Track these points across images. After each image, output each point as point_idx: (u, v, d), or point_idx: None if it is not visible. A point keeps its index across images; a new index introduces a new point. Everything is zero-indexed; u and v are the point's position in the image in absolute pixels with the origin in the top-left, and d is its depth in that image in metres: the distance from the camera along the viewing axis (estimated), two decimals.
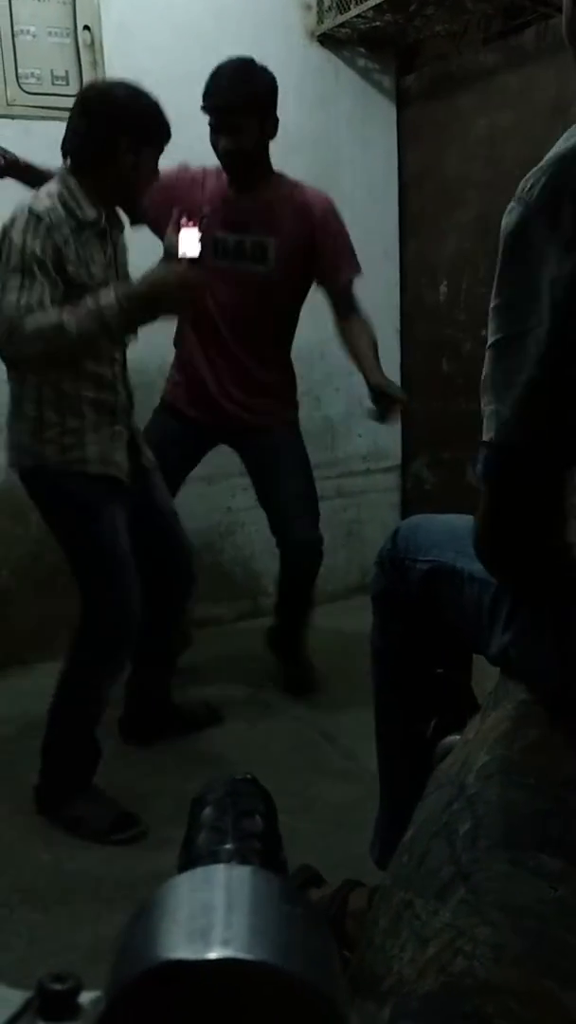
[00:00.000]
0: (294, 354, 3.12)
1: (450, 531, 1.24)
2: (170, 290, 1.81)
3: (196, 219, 1.85)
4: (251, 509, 3.02)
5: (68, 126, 1.86)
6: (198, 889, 0.32)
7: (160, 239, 1.91)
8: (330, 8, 2.92)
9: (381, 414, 2.34)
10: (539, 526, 0.92)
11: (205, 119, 2.19)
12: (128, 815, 1.92)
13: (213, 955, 0.28)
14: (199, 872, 0.33)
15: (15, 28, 2.52)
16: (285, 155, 2.97)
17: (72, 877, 1.79)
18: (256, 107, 2.21)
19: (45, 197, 1.81)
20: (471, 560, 1.04)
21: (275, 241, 2.29)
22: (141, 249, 2.01)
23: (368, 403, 2.34)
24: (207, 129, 2.20)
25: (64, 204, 1.81)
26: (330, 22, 2.91)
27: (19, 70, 2.55)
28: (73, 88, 2.60)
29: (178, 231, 1.83)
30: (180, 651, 2.30)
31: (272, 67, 2.90)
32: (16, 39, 2.53)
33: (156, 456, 2.09)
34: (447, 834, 0.87)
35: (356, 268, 2.42)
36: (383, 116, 3.15)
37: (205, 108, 2.18)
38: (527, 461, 0.89)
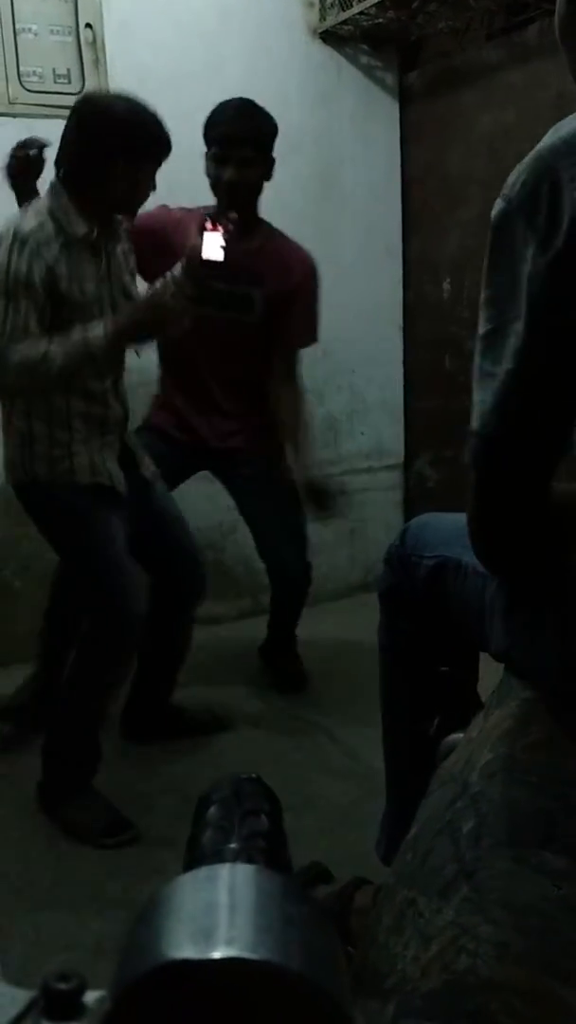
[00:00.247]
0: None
1: (459, 528, 1.24)
2: (157, 317, 1.82)
3: (222, 222, 1.83)
4: None
5: (63, 137, 1.83)
6: (202, 888, 0.32)
7: (147, 283, 1.91)
8: (332, 5, 2.91)
9: (318, 511, 2.40)
10: (525, 516, 0.94)
11: (201, 118, 2.18)
12: (122, 819, 1.90)
13: (217, 954, 0.28)
14: (204, 871, 0.33)
15: (17, 26, 2.52)
16: (287, 153, 2.96)
17: (76, 875, 1.79)
18: (265, 142, 2.22)
19: (33, 215, 1.79)
20: None
21: (260, 293, 2.27)
22: None
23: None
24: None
25: (54, 220, 1.79)
26: (332, 19, 2.91)
27: (21, 68, 2.55)
28: (75, 86, 2.60)
29: (201, 234, 1.82)
30: (185, 655, 2.30)
31: (274, 64, 2.92)
32: (18, 37, 2.53)
33: None
34: (450, 832, 0.87)
35: (315, 339, 2.44)
36: (386, 113, 3.14)
37: (211, 138, 2.16)
38: (508, 451, 0.91)
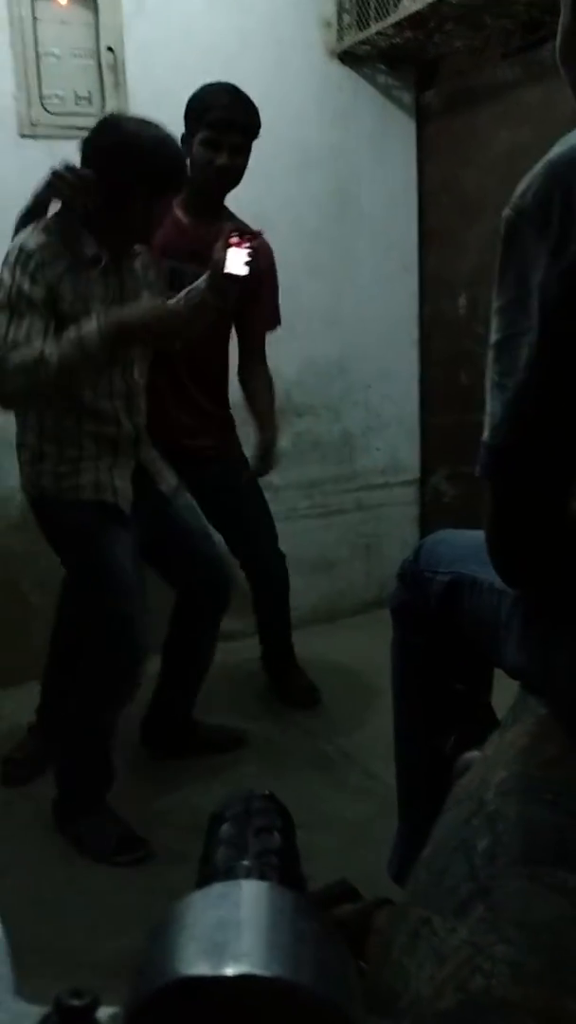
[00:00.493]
0: (313, 367, 3.14)
1: (474, 545, 1.24)
2: (147, 324, 1.80)
3: (248, 238, 1.82)
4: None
5: (83, 159, 1.82)
6: (215, 905, 0.32)
7: None
8: (350, 26, 2.94)
9: (259, 470, 2.46)
10: (542, 528, 0.93)
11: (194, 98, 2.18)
12: (134, 837, 1.89)
13: (230, 971, 0.28)
14: (216, 888, 0.34)
15: (39, 50, 2.56)
16: (305, 171, 3.00)
17: (91, 892, 1.79)
18: (256, 129, 2.22)
19: (42, 232, 1.79)
20: (493, 571, 1.04)
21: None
22: None
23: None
24: None
25: (63, 239, 1.79)
26: (350, 39, 2.93)
27: (43, 91, 2.58)
28: (96, 108, 2.63)
29: (226, 247, 1.81)
30: (206, 669, 2.30)
31: (293, 84, 2.95)
32: (40, 61, 2.57)
33: None
34: (465, 850, 0.86)
35: (279, 321, 2.47)
36: (402, 132, 3.16)
37: (205, 122, 2.13)
38: (519, 462, 0.90)
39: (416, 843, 1.01)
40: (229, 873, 0.38)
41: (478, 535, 1.27)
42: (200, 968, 0.29)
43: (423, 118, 3.17)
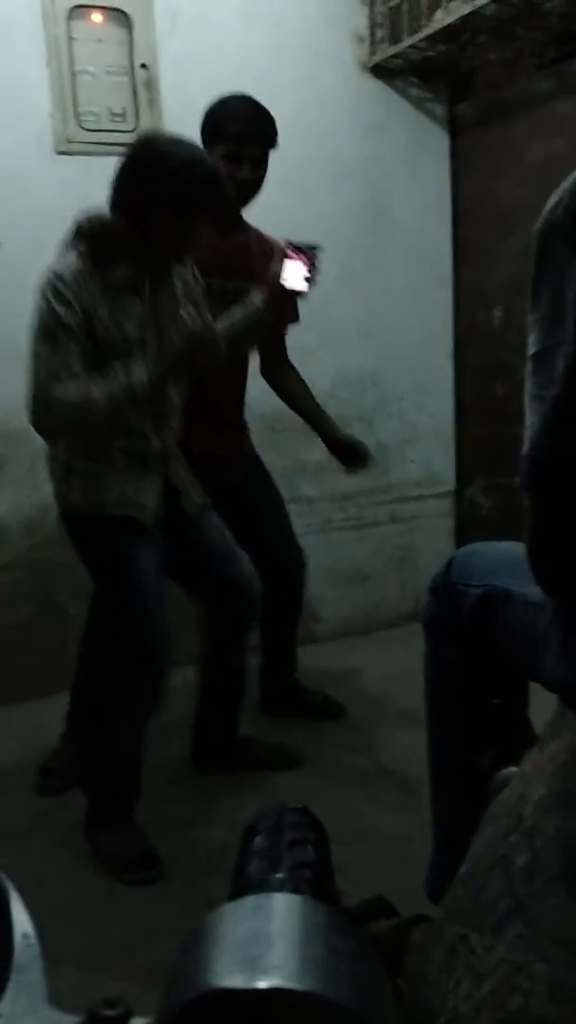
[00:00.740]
0: (347, 379, 3.14)
1: (507, 557, 1.23)
2: (190, 354, 1.78)
3: (305, 252, 1.79)
4: (302, 535, 3.02)
5: (116, 178, 1.80)
6: (248, 918, 0.32)
7: None
8: (383, 40, 2.95)
9: (353, 466, 2.48)
10: None
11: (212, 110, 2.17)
12: (149, 856, 1.88)
13: (262, 984, 0.28)
14: (249, 900, 0.33)
15: (75, 68, 2.60)
16: (338, 184, 3.01)
17: (126, 903, 1.79)
18: (275, 141, 2.20)
19: (73, 257, 1.78)
20: (527, 584, 1.03)
21: (255, 287, 2.27)
22: None
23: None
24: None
25: (97, 261, 1.78)
26: (383, 53, 2.95)
27: (79, 108, 2.62)
28: (130, 124, 2.67)
29: (283, 261, 1.80)
30: (241, 684, 2.29)
31: (326, 99, 2.96)
32: (76, 79, 2.61)
33: None
34: (503, 867, 0.85)
35: (297, 318, 2.45)
36: (436, 145, 3.17)
37: (225, 135, 2.11)
38: (559, 474, 0.90)
39: (453, 860, 1.00)
40: (262, 886, 0.37)
41: (510, 547, 1.26)
42: (233, 980, 0.28)
43: (456, 131, 3.17)
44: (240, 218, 2.29)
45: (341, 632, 3.20)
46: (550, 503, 0.92)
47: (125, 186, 1.79)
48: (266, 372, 2.50)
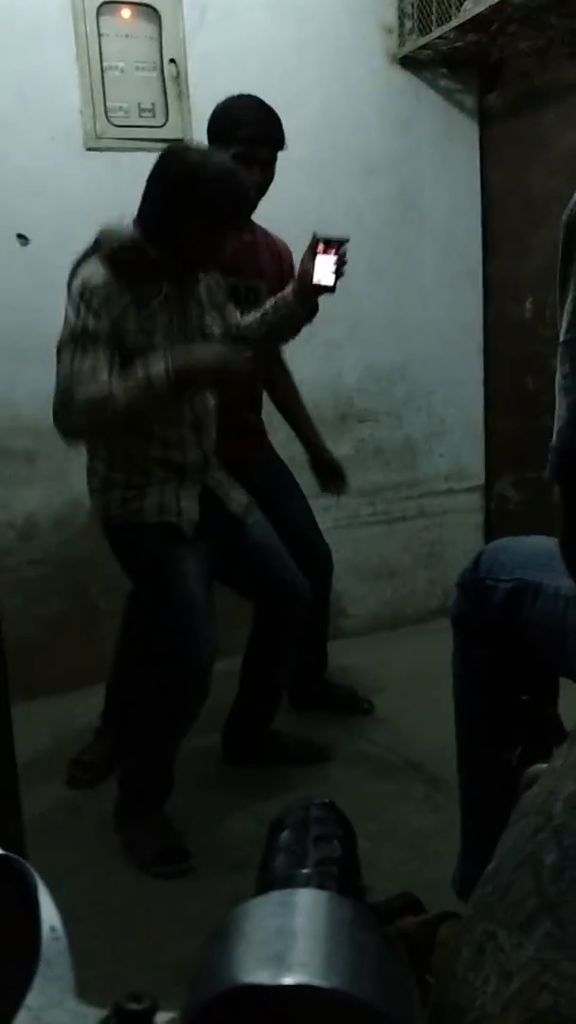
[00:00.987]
0: (375, 373, 3.13)
1: (537, 551, 1.22)
2: (216, 370, 1.78)
3: (334, 245, 1.77)
4: (330, 530, 3.01)
5: (146, 190, 1.80)
6: (274, 913, 0.32)
7: None
8: (411, 31, 2.93)
9: (330, 488, 2.46)
10: None
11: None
12: (178, 849, 1.89)
13: (287, 980, 0.28)
14: (275, 896, 0.33)
15: (104, 64, 2.61)
16: (367, 177, 3.00)
17: (156, 896, 1.80)
18: (283, 143, 2.17)
19: (105, 266, 1.78)
20: (557, 577, 1.02)
21: (264, 284, 2.24)
22: None
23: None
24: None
25: (126, 272, 1.77)
26: (411, 44, 2.92)
27: (108, 104, 2.63)
28: (159, 120, 2.67)
29: (313, 257, 1.77)
30: (283, 682, 2.30)
31: (354, 92, 2.95)
32: (105, 75, 2.61)
33: None
34: (532, 865, 0.84)
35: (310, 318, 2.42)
36: (465, 136, 3.14)
37: (237, 138, 2.08)
38: None
39: (481, 857, 0.99)
40: (288, 881, 0.37)
41: (540, 541, 1.24)
42: (258, 976, 0.28)
43: (486, 121, 3.14)
44: (248, 218, 2.28)
45: (369, 627, 3.19)
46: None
47: (156, 200, 1.79)
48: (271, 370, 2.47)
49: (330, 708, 2.55)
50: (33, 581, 2.74)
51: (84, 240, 1.90)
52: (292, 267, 2.32)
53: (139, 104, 2.68)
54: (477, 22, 2.71)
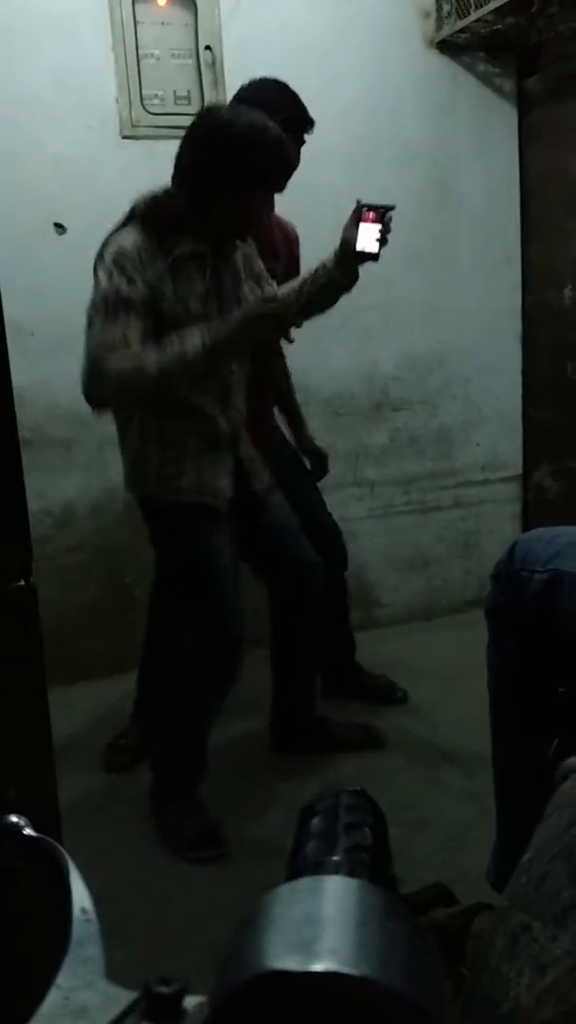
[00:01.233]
0: (411, 361, 3.11)
1: (573, 541, 1.20)
2: (255, 326, 1.75)
3: (378, 212, 1.73)
4: (364, 519, 3.01)
5: (178, 153, 1.78)
6: (303, 900, 0.32)
7: None
8: (449, 14, 2.89)
9: (320, 473, 2.46)
10: None
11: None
12: (213, 835, 1.90)
13: (317, 967, 0.28)
14: (305, 883, 0.33)
15: (140, 52, 2.61)
16: (404, 164, 2.97)
17: (189, 879, 1.81)
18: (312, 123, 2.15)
19: (139, 231, 1.75)
20: None
21: (279, 266, 2.20)
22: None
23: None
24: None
25: (160, 237, 1.75)
26: (449, 28, 2.89)
27: (143, 92, 2.63)
28: (195, 107, 2.67)
29: (357, 224, 1.74)
30: (314, 665, 2.30)
31: (390, 77, 2.92)
32: (141, 63, 2.62)
33: None
34: (567, 857, 0.83)
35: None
36: (504, 120, 3.10)
37: (278, 121, 1.99)
38: None
39: (516, 849, 0.99)
40: (318, 868, 0.37)
41: (575, 530, 1.23)
42: (287, 963, 0.28)
43: (525, 106, 3.10)
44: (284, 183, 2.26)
45: (403, 618, 3.18)
46: None
47: (187, 158, 1.76)
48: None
49: (364, 697, 2.55)
50: (70, 568, 2.76)
51: None
52: (299, 250, 2.31)
53: (175, 92, 2.68)
54: (516, 4, 2.67)
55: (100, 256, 1.79)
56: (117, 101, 2.62)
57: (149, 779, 2.03)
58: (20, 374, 0.95)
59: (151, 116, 2.64)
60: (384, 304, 2.94)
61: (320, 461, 2.51)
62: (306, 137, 2.15)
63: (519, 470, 3.33)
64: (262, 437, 2.26)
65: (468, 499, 3.27)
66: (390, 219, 1.76)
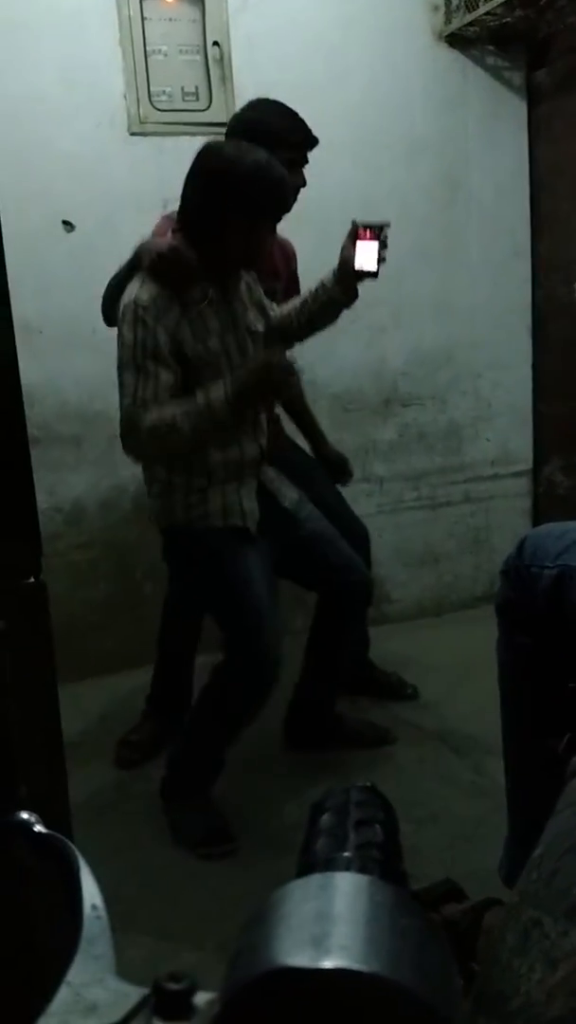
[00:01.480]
0: (420, 356, 3.10)
1: None
2: (274, 379, 1.76)
3: (374, 231, 1.74)
4: (375, 515, 3.01)
5: (184, 190, 1.79)
6: (314, 896, 0.32)
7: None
8: (458, 8, 2.87)
9: (341, 481, 2.46)
10: None
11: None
12: (224, 831, 1.91)
13: (327, 964, 0.28)
14: (316, 879, 0.33)
15: (148, 48, 2.61)
16: (412, 158, 2.96)
17: (200, 875, 1.82)
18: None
19: (151, 281, 1.77)
20: None
21: (280, 285, 2.21)
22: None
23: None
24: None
25: (172, 283, 1.77)
26: (458, 21, 2.87)
27: (151, 88, 2.63)
28: (203, 103, 2.67)
29: (354, 243, 1.75)
30: (345, 668, 2.30)
31: (399, 71, 2.91)
32: (148, 59, 2.61)
33: None
34: None
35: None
36: (513, 114, 3.08)
37: (287, 142, 2.02)
38: None
39: (527, 845, 0.98)
40: (329, 864, 0.37)
41: None
42: (297, 959, 0.28)
43: (535, 99, 3.08)
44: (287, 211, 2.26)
45: (413, 613, 3.18)
46: None
47: (195, 198, 1.78)
48: None
49: (375, 693, 2.55)
50: (80, 565, 2.77)
51: (128, 226, 1.91)
52: (296, 264, 2.31)
53: (182, 88, 2.67)
54: None
55: (122, 313, 1.78)
56: (125, 98, 2.61)
57: (160, 775, 2.03)
58: (28, 372, 0.95)
59: (159, 113, 2.64)
60: (393, 299, 2.93)
61: (344, 466, 2.51)
62: (312, 143, 2.13)
63: (529, 465, 3.32)
64: (274, 446, 2.28)
65: (478, 494, 3.26)
66: (386, 236, 1.78)
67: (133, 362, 1.75)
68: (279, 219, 1.85)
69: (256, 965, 0.29)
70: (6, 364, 0.92)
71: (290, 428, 2.48)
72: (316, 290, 1.92)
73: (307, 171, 2.11)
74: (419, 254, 2.96)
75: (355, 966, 0.28)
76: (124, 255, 1.91)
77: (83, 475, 2.75)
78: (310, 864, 0.38)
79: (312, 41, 2.76)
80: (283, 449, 2.33)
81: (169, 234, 1.86)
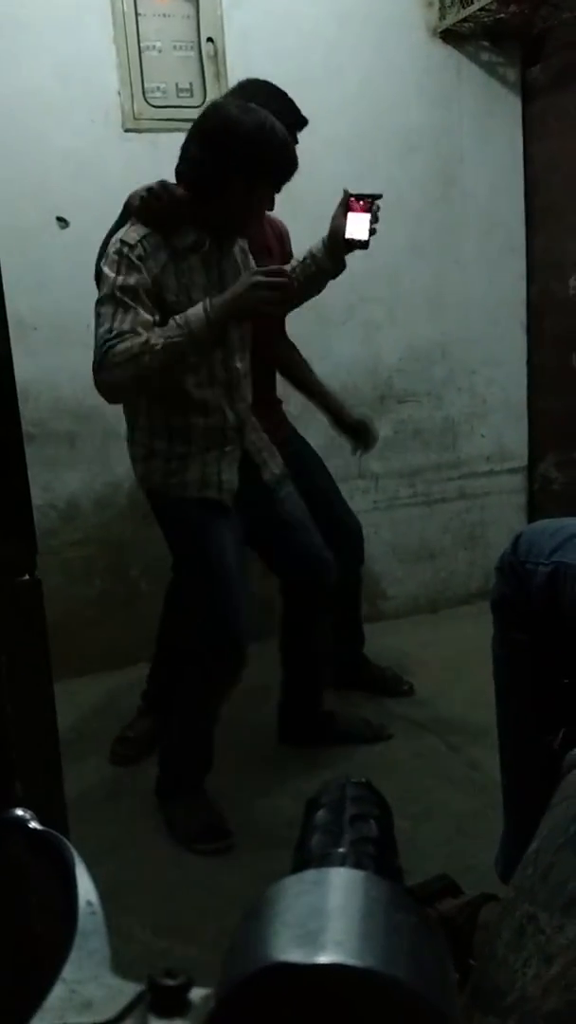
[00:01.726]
0: (415, 353, 3.10)
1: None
2: (259, 292, 1.73)
3: (367, 201, 1.74)
4: (369, 511, 3.01)
5: (184, 146, 1.79)
6: (308, 892, 0.32)
7: None
8: (452, 3, 2.87)
9: (362, 447, 2.47)
10: None
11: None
12: (219, 827, 1.92)
13: (322, 959, 0.28)
14: (310, 875, 0.33)
15: (142, 44, 2.60)
16: (406, 154, 2.96)
17: (196, 871, 1.82)
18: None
19: (141, 224, 1.77)
20: None
21: (271, 263, 2.16)
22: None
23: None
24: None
25: (162, 229, 1.76)
26: (452, 17, 2.87)
27: (145, 85, 2.62)
28: (197, 99, 2.66)
29: (345, 214, 1.76)
30: (321, 658, 2.30)
31: (393, 66, 2.91)
32: (143, 55, 2.60)
33: None
34: (573, 847, 0.83)
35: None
36: (507, 110, 3.08)
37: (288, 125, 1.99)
38: None
39: (523, 840, 0.99)
40: (324, 860, 0.37)
41: None
42: (292, 955, 0.28)
43: (529, 95, 3.08)
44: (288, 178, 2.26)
45: (408, 610, 3.19)
46: None
47: (195, 154, 1.77)
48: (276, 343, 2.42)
49: (370, 689, 2.55)
50: (75, 561, 2.77)
51: None
52: (290, 244, 2.31)
53: (177, 84, 2.67)
54: None
55: (104, 252, 1.80)
56: (119, 94, 2.61)
57: (156, 772, 2.03)
58: (23, 369, 0.95)
59: (153, 109, 2.63)
60: (388, 296, 2.93)
61: (368, 429, 2.49)
62: (304, 130, 2.13)
63: (524, 461, 3.33)
64: (272, 427, 2.27)
65: (473, 490, 3.26)
66: (378, 208, 1.79)
67: (112, 297, 1.73)
68: (280, 185, 1.83)
69: (251, 961, 0.29)
70: (0, 361, 0.92)
71: (294, 415, 2.48)
72: (305, 260, 1.92)
73: (300, 169, 2.11)
74: (414, 250, 2.96)
75: (350, 962, 0.28)
76: None
77: (78, 472, 2.75)
78: (305, 860, 0.38)
79: (306, 37, 2.76)
80: (285, 436, 2.33)
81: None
